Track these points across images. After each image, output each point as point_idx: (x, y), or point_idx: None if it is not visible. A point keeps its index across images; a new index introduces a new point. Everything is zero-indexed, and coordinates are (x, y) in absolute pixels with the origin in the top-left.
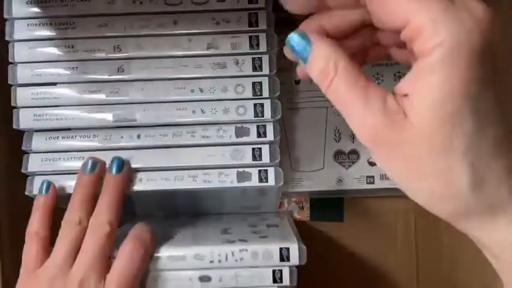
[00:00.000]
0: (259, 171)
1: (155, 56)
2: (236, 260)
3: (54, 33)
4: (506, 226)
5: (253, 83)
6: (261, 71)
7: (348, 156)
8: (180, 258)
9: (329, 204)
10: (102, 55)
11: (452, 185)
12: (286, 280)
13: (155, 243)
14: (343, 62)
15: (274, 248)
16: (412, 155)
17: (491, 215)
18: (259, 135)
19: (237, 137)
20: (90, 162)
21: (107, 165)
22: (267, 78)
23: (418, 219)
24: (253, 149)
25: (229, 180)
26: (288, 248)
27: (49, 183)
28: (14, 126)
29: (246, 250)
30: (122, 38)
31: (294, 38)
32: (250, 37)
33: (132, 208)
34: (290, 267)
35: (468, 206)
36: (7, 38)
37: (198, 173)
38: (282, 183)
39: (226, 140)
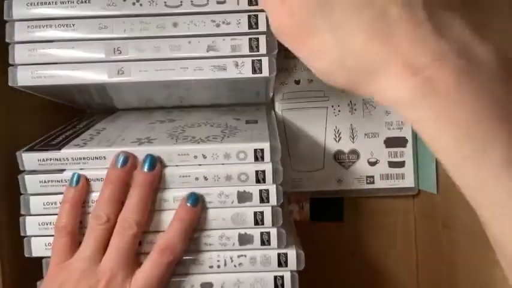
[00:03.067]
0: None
1: (155, 58)
2: (235, 266)
3: (54, 35)
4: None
5: (255, 150)
6: (261, 73)
7: (347, 156)
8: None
9: (329, 204)
10: (102, 57)
11: (324, 52)
12: (288, 286)
13: (186, 246)
14: None
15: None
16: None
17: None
18: (261, 200)
19: (239, 202)
20: (121, 157)
21: (139, 160)
22: (268, 144)
23: (418, 219)
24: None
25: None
26: (286, 254)
27: (79, 176)
28: None
29: (245, 256)
30: (122, 40)
31: None
32: (250, 39)
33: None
34: (291, 272)
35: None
36: (7, 40)
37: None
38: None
39: (228, 204)
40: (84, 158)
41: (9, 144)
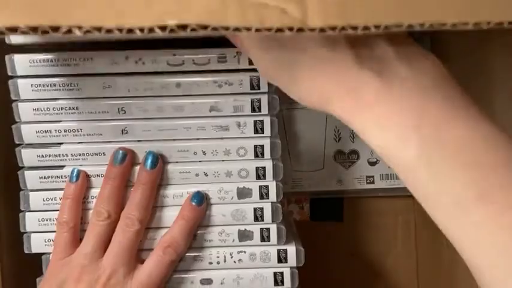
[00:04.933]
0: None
1: (158, 117)
2: (235, 262)
3: (58, 95)
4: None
5: (255, 146)
6: (263, 133)
7: (348, 156)
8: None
9: (329, 204)
10: (107, 117)
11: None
12: (287, 282)
13: (189, 244)
14: None
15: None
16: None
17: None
18: (261, 196)
19: (239, 198)
20: (119, 153)
21: (138, 156)
22: (268, 140)
23: (418, 219)
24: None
25: None
26: (286, 250)
27: (79, 172)
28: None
29: (244, 252)
30: (126, 101)
31: None
32: (252, 100)
33: None
34: (291, 268)
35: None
36: (12, 97)
37: None
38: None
39: (228, 200)
40: (83, 154)
41: (8, 140)
